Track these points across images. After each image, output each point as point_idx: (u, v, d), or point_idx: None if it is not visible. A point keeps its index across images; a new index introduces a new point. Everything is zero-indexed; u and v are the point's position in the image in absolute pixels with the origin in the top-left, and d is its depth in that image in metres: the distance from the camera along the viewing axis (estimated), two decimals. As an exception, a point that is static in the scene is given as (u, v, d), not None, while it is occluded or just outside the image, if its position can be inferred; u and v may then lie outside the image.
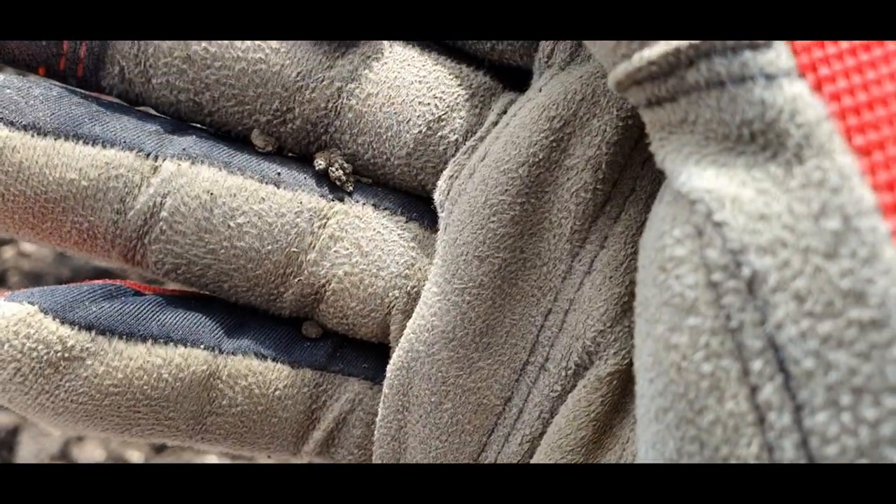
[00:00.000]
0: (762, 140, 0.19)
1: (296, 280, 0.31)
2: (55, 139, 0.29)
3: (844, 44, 0.19)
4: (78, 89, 0.31)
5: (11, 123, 0.29)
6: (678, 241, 0.20)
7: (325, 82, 0.31)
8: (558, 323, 0.29)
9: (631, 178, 0.29)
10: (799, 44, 0.19)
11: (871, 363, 0.17)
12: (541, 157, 0.28)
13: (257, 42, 0.30)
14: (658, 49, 0.20)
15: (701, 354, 0.19)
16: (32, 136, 0.29)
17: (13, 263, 1.22)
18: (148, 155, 0.30)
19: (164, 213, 0.29)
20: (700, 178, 0.20)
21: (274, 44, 0.30)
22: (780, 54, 0.19)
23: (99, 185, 0.29)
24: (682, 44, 0.20)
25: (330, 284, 0.31)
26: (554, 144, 0.28)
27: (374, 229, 0.31)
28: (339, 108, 0.31)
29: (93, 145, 0.29)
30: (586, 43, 0.23)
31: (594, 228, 0.28)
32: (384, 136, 0.31)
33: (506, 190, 0.28)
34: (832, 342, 0.17)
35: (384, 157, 0.31)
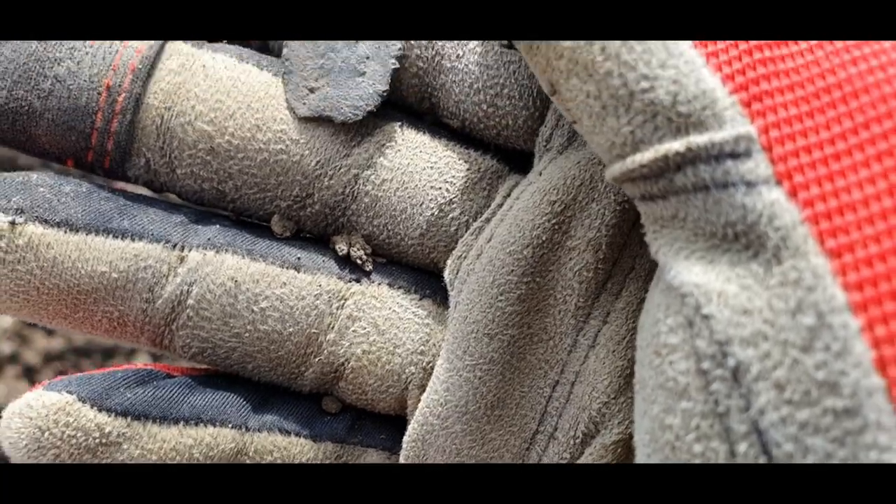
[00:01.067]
0: (744, 240, 0.21)
1: (316, 360, 0.32)
2: (87, 234, 0.30)
3: (818, 152, 0.21)
4: (105, 185, 0.32)
5: (45, 221, 0.30)
6: (671, 330, 0.22)
7: (342, 170, 0.32)
8: (565, 394, 0.30)
9: (630, 257, 0.30)
10: (776, 153, 0.21)
11: (846, 448, 0.19)
12: (543, 238, 0.30)
13: (279, 134, 0.31)
14: (648, 155, 0.22)
15: (692, 436, 0.21)
16: (65, 232, 0.30)
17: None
18: (175, 246, 0.31)
19: (190, 301, 0.31)
20: (689, 272, 0.22)
21: (294, 135, 0.32)
22: (758, 163, 0.21)
23: (129, 276, 0.31)
24: (670, 149, 0.22)
25: (349, 363, 0.32)
26: (556, 227, 0.30)
27: (390, 308, 0.32)
28: (355, 193, 0.32)
29: (122, 238, 0.31)
30: (585, 137, 0.25)
31: (597, 304, 0.30)
32: (399, 219, 0.32)
33: (512, 270, 0.30)
34: (809, 428, 0.19)
35: (398, 237, 0.33)
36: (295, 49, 0.32)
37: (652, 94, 0.22)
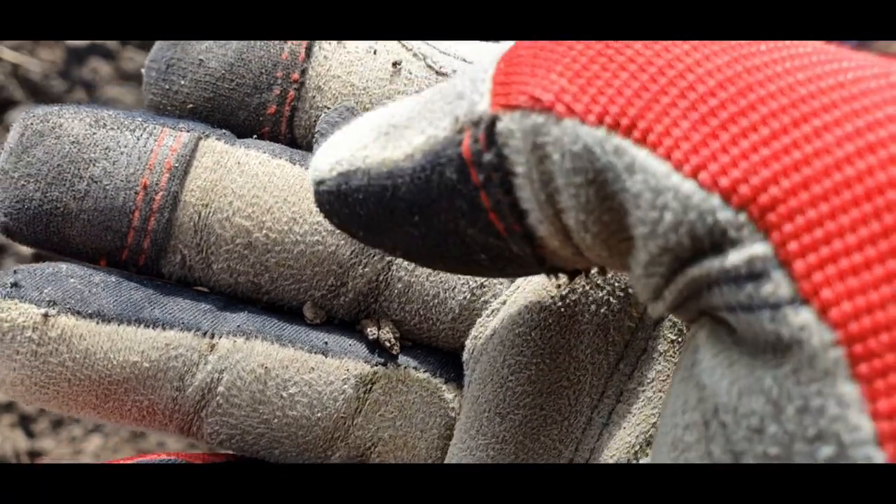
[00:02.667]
0: (773, 353, 0.19)
1: (343, 444, 0.32)
2: (118, 324, 0.31)
3: (845, 261, 0.18)
4: (132, 276, 0.32)
5: (78, 312, 0.30)
6: (687, 427, 0.21)
7: (376, 258, 0.33)
8: None
9: (643, 339, 0.31)
10: (797, 268, 0.18)
11: None
12: (551, 321, 0.31)
13: (315, 226, 0.32)
14: (672, 288, 0.21)
15: None
16: (97, 322, 0.30)
17: None
18: (205, 334, 0.31)
19: (220, 388, 0.31)
20: (713, 372, 0.20)
21: (329, 226, 0.32)
22: (779, 284, 0.18)
23: (160, 365, 0.31)
24: (689, 276, 0.20)
25: (376, 447, 0.33)
26: (562, 310, 0.31)
27: (416, 392, 0.33)
28: (388, 280, 0.33)
29: (153, 328, 0.31)
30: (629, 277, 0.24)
31: (610, 384, 0.31)
32: (431, 304, 0.33)
33: (521, 351, 0.30)
34: None
35: (430, 322, 0.33)
36: None
37: (658, 241, 0.20)
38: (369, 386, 0.32)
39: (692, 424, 0.21)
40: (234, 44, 0.33)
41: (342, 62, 0.34)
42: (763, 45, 0.21)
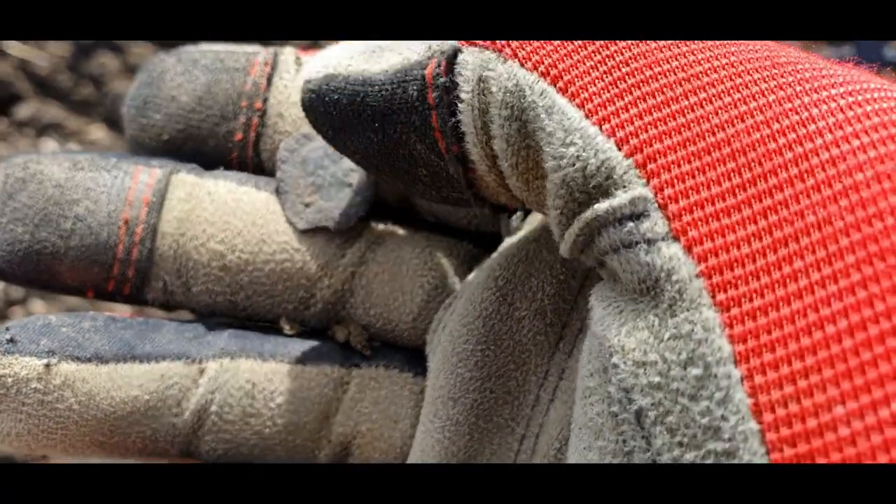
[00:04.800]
0: (650, 295, 0.23)
1: (327, 441, 0.36)
2: (115, 364, 0.33)
3: (710, 207, 0.21)
4: (115, 315, 0.35)
5: (77, 358, 0.33)
6: (591, 374, 0.24)
7: (339, 269, 0.36)
8: (531, 446, 0.33)
9: (579, 320, 0.33)
10: (671, 210, 0.22)
11: None
12: (491, 310, 0.33)
13: (282, 245, 0.35)
14: (573, 228, 0.24)
15: None
16: (96, 365, 0.33)
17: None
18: (193, 360, 0.34)
19: (213, 408, 0.34)
20: (604, 322, 0.24)
21: (295, 244, 0.35)
22: (656, 222, 0.22)
23: (158, 395, 0.34)
24: (583, 218, 0.24)
25: (356, 439, 0.36)
26: (500, 299, 0.33)
27: (388, 388, 0.36)
28: (353, 289, 0.36)
29: (147, 362, 0.34)
30: (546, 216, 0.27)
31: (553, 363, 0.33)
32: (392, 307, 0.36)
33: (467, 340, 0.33)
34: None
35: (393, 324, 0.36)
36: (287, 171, 0.36)
37: (561, 172, 0.24)
38: (345, 386, 0.35)
39: (595, 372, 0.24)
40: (202, 78, 0.36)
41: (299, 89, 0.36)
42: (686, 44, 0.25)
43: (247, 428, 0.35)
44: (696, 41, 0.24)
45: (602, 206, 0.23)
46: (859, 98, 0.22)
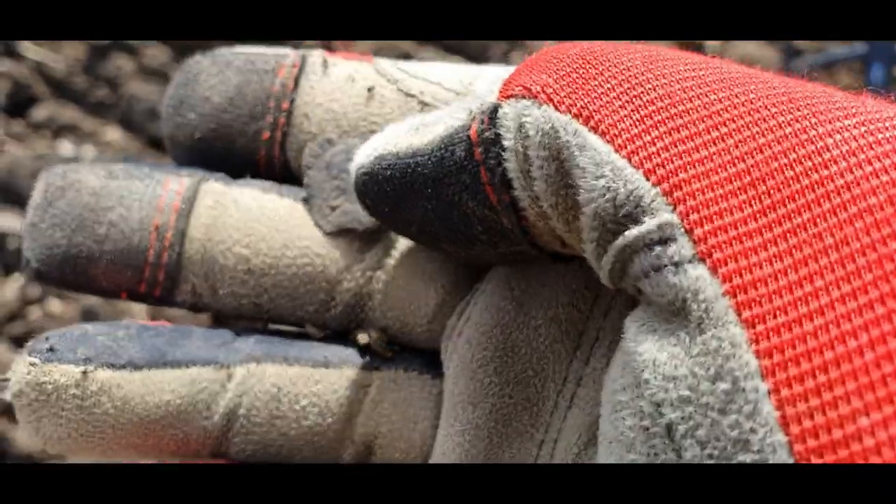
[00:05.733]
0: (680, 314, 0.24)
1: (350, 442, 0.37)
2: (149, 370, 0.34)
3: (733, 231, 0.23)
4: (147, 324, 0.36)
5: (112, 365, 0.34)
6: (623, 389, 0.25)
7: (357, 273, 0.37)
8: (550, 451, 0.34)
9: (594, 329, 0.34)
10: (696, 234, 0.23)
11: None
12: (507, 319, 0.34)
13: (304, 249, 0.36)
14: (608, 257, 0.26)
15: None
16: (130, 371, 0.34)
17: (39, 323, 1.27)
18: (222, 365, 0.35)
19: (242, 411, 0.35)
20: (636, 339, 0.25)
21: (316, 248, 0.36)
22: (682, 245, 0.23)
23: (189, 399, 0.35)
24: (616, 246, 0.25)
25: (377, 440, 0.37)
26: (517, 308, 0.34)
27: (407, 390, 0.37)
28: (370, 292, 0.37)
29: (178, 368, 0.35)
30: (582, 249, 0.28)
31: (570, 371, 0.34)
32: (408, 310, 0.37)
33: (486, 347, 0.34)
34: None
35: (410, 326, 0.37)
36: (313, 176, 0.37)
37: (594, 204, 0.25)
38: (367, 389, 0.37)
39: (626, 386, 0.25)
40: (234, 79, 0.38)
41: (325, 91, 0.38)
42: (701, 69, 0.27)
43: (273, 430, 0.36)
44: (718, 80, 0.26)
45: (632, 232, 0.24)
46: (871, 127, 0.23)
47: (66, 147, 1.31)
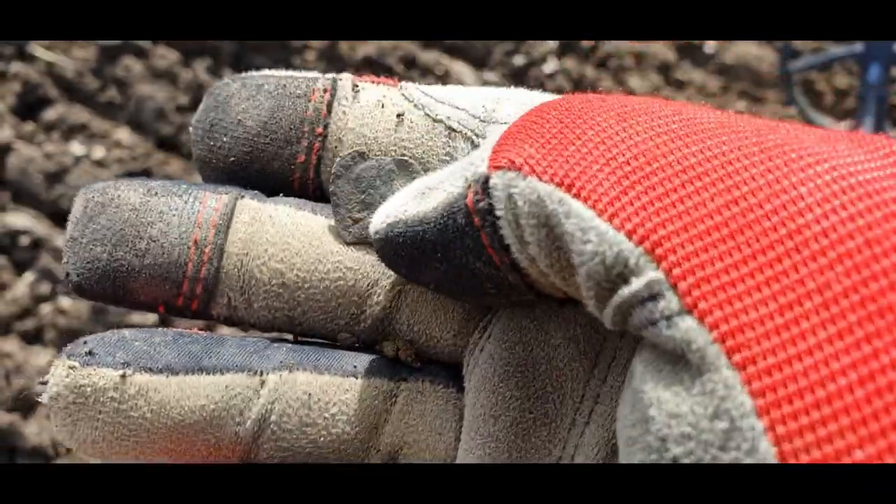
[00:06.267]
0: (681, 359, 0.25)
1: (376, 451, 0.38)
2: (185, 375, 0.36)
3: (716, 281, 0.24)
4: (183, 330, 0.38)
5: (150, 369, 0.35)
6: (633, 425, 0.26)
7: (387, 287, 0.38)
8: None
9: (612, 349, 0.35)
10: (681, 288, 0.24)
11: None
12: (528, 337, 0.35)
13: (336, 264, 0.38)
14: (608, 311, 0.27)
15: None
16: (167, 376, 0.35)
17: (50, 320, 1.28)
18: (255, 372, 0.37)
19: (273, 417, 0.36)
20: (643, 377, 0.27)
21: (349, 263, 0.38)
22: (670, 300, 0.24)
23: (223, 405, 0.36)
24: (613, 304, 0.27)
25: (402, 450, 0.38)
26: (537, 327, 0.36)
27: (433, 401, 0.38)
28: (399, 305, 0.38)
29: (213, 374, 0.36)
30: (580, 295, 0.30)
31: (588, 388, 0.35)
32: (434, 324, 0.38)
33: (508, 362, 0.36)
34: None
35: (435, 339, 0.39)
36: (341, 186, 0.38)
37: (586, 267, 0.26)
38: (394, 399, 0.38)
39: (636, 422, 0.26)
40: (266, 104, 0.39)
41: (356, 115, 0.39)
42: (674, 121, 0.28)
43: (303, 437, 0.37)
44: (691, 132, 0.28)
45: (624, 292, 0.26)
46: (843, 172, 0.25)
47: (76, 147, 1.32)
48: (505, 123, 0.37)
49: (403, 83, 0.41)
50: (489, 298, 0.33)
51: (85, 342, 0.36)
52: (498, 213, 0.29)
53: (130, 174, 1.32)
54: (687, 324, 0.24)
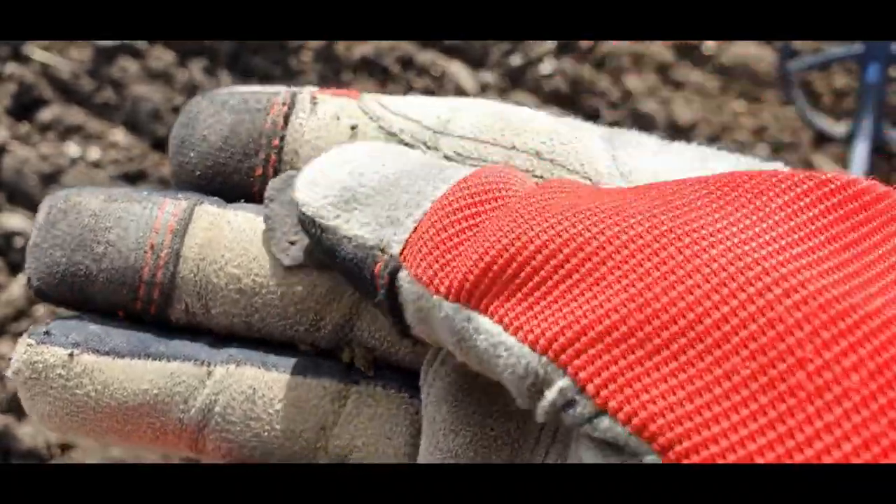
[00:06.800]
0: (618, 449, 0.26)
1: (324, 452, 0.38)
2: (130, 359, 0.37)
3: (621, 378, 0.25)
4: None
5: (97, 350, 0.36)
6: None
7: (347, 293, 0.38)
8: None
9: None
10: (589, 390, 0.25)
11: None
12: None
13: (293, 272, 0.38)
14: (539, 412, 0.27)
15: None
16: (113, 358, 0.37)
17: (45, 322, 1.29)
18: (202, 363, 0.37)
19: (217, 408, 0.37)
20: (592, 457, 0.27)
21: (307, 270, 0.38)
22: (584, 404, 0.25)
23: (167, 391, 0.37)
24: (542, 408, 0.27)
25: (352, 453, 0.38)
26: None
27: (384, 405, 0.38)
28: (360, 312, 0.38)
29: (159, 360, 0.37)
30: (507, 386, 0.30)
31: None
32: (394, 330, 0.39)
33: (471, 375, 0.35)
34: None
35: (396, 346, 0.39)
36: (274, 209, 0.38)
37: (504, 378, 0.28)
38: (343, 401, 0.38)
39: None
40: (228, 119, 0.40)
41: (312, 128, 0.40)
42: (567, 219, 0.28)
43: (248, 430, 0.37)
44: (583, 230, 0.28)
45: (543, 403, 0.26)
46: (738, 252, 0.25)
47: (72, 148, 1.33)
48: (460, 136, 0.38)
49: (364, 94, 0.41)
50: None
51: (47, 323, 0.37)
52: (405, 309, 0.31)
53: (126, 176, 1.33)
54: (605, 423, 0.25)
